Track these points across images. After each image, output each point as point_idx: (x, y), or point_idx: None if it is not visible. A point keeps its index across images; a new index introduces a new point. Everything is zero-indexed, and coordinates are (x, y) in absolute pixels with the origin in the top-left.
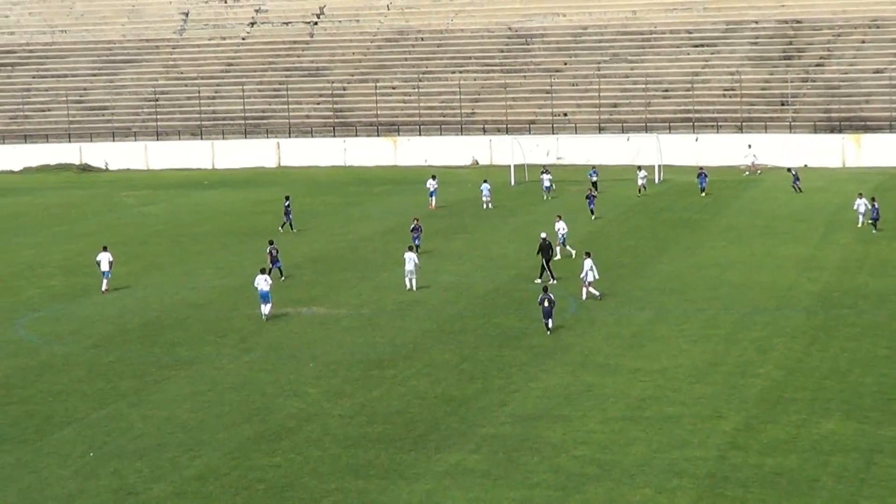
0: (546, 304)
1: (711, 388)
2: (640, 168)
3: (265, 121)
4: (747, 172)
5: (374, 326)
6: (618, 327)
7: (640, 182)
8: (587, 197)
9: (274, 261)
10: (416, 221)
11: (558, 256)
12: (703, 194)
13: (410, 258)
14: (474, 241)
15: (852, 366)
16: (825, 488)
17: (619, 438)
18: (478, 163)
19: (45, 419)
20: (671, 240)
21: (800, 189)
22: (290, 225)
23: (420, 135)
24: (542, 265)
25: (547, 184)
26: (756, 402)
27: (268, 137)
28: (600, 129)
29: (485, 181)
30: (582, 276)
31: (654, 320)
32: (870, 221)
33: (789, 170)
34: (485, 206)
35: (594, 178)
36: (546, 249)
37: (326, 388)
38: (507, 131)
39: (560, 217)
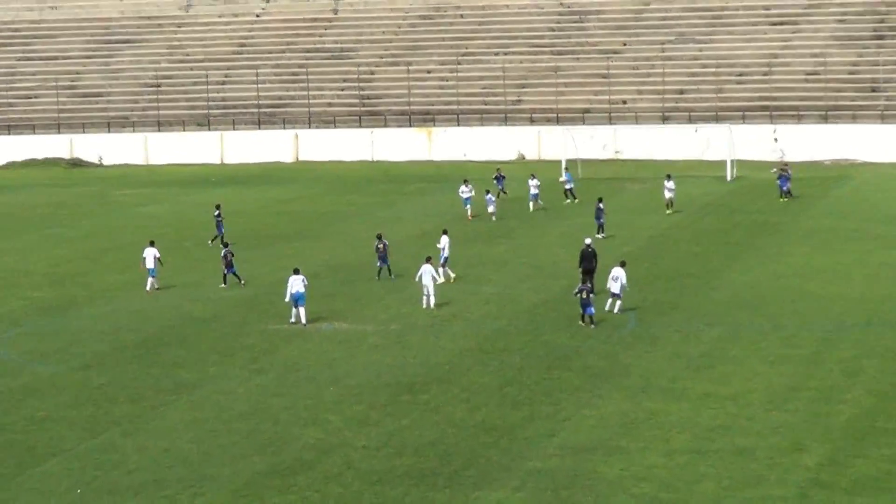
0: (584, 294)
1: (791, 416)
2: (668, 177)
3: (282, 109)
4: (774, 169)
5: (405, 345)
6: (684, 346)
7: (667, 195)
8: (596, 210)
9: (229, 266)
10: (379, 241)
11: (441, 280)
12: (783, 199)
13: (427, 271)
14: (519, 246)
15: None
16: None
17: (685, 474)
18: (524, 157)
19: (27, 450)
20: (746, 245)
21: (788, 193)
22: (221, 239)
23: (458, 125)
24: (582, 276)
25: (534, 191)
26: (843, 433)
27: (285, 128)
28: (664, 119)
29: (532, 176)
30: (608, 287)
31: (725, 338)
32: None
33: (784, 168)
34: (491, 211)
35: (568, 184)
36: (589, 258)
37: (349, 416)
38: (558, 121)
39: (446, 231)
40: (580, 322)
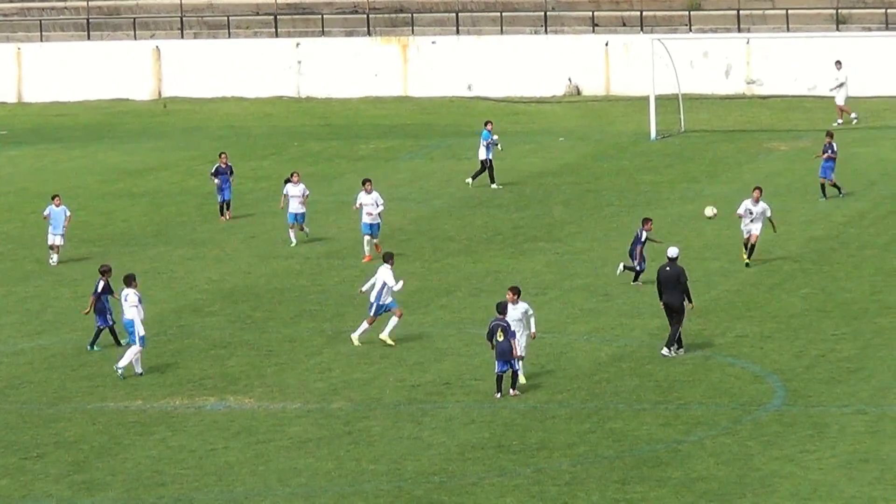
0: (500, 336)
1: None
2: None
3: (131, 1)
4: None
5: (359, 439)
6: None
7: (746, 230)
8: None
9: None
10: (103, 278)
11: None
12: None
13: (519, 308)
14: (570, 256)
15: None
16: None
17: None
18: (578, 90)
19: None
20: None
21: (836, 188)
22: None
23: (457, 33)
24: (667, 311)
25: (368, 214)
26: None
27: (136, 37)
28: (838, 25)
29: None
30: None
31: None
32: None
33: (828, 145)
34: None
35: (485, 155)
36: (670, 283)
37: None
38: (642, 25)
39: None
40: (497, 393)
